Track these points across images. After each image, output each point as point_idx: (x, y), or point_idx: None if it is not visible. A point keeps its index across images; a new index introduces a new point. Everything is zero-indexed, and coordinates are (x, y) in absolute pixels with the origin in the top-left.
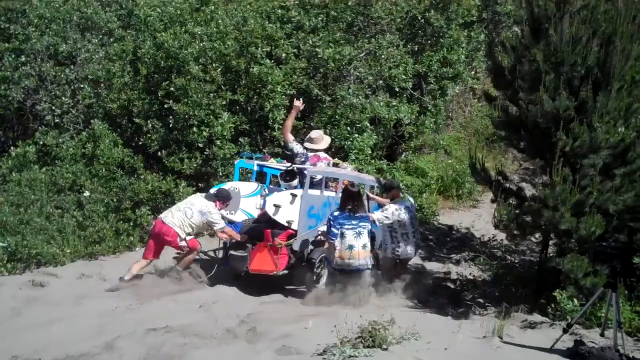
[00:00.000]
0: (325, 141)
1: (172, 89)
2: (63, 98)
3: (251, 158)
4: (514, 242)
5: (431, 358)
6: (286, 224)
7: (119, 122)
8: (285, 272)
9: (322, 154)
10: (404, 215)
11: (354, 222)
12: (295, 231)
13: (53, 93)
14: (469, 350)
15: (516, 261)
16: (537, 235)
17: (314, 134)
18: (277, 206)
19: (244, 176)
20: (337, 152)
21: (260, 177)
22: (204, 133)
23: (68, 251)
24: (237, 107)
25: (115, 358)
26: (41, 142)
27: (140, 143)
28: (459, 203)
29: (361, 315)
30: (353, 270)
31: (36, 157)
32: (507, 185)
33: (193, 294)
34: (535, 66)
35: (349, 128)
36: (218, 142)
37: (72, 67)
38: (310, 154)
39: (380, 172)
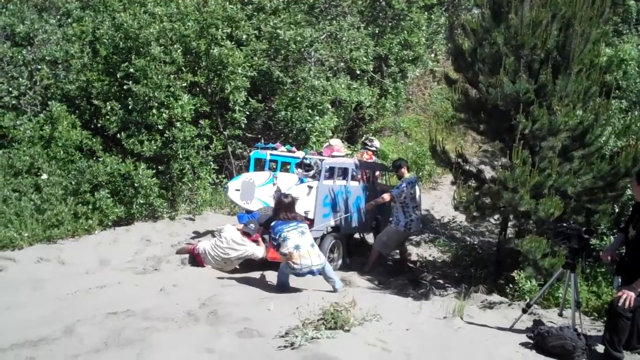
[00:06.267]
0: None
1: (131, 70)
2: (20, 79)
3: (265, 148)
4: (474, 223)
5: (393, 339)
6: (304, 214)
7: (77, 103)
8: None
9: (336, 146)
10: (414, 189)
11: (292, 224)
12: (312, 220)
13: (10, 74)
14: (429, 331)
15: (475, 242)
16: (496, 217)
17: (333, 141)
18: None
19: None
20: (298, 134)
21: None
22: (164, 115)
23: (26, 235)
24: (198, 89)
25: (75, 342)
26: None
27: (99, 125)
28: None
29: (323, 297)
30: (308, 273)
31: None
32: (467, 167)
33: (154, 278)
34: (496, 49)
35: (310, 110)
36: (178, 124)
37: (29, 48)
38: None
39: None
